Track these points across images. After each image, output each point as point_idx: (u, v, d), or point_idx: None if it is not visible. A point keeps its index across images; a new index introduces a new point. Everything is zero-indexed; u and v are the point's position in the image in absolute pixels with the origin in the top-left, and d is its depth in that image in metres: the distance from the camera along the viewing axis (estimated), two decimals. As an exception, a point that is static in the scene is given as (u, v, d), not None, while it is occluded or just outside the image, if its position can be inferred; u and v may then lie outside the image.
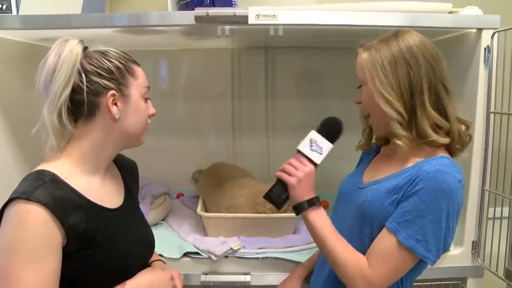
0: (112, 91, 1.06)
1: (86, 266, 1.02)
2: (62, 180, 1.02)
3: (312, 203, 1.18)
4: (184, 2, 1.55)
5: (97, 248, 1.03)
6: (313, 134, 1.23)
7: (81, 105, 1.05)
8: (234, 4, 1.60)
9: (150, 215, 1.80)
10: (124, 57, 1.12)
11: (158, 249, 1.50)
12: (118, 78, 1.08)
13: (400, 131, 1.11)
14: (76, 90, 1.04)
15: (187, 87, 2.29)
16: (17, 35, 1.62)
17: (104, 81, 1.06)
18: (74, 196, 1.02)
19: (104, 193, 1.11)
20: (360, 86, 1.20)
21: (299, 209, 1.19)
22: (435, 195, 1.05)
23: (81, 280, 1.02)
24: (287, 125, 2.26)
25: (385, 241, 1.10)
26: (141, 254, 1.18)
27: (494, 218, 1.53)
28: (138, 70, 1.14)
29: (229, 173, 1.98)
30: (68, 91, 1.03)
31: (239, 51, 2.23)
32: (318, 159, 1.21)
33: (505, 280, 1.49)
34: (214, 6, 1.53)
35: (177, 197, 2.20)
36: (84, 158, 1.08)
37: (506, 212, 1.53)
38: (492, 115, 1.49)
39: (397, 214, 1.10)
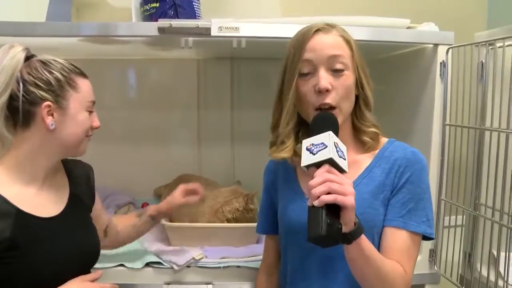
0: (47, 102, 1.07)
1: (9, 271, 1.01)
2: None
3: (362, 225, 0.96)
4: (148, 13, 1.55)
5: (19, 257, 1.02)
6: (334, 137, 0.95)
7: (17, 113, 1.06)
8: (198, 16, 1.61)
9: (113, 225, 1.78)
10: (68, 69, 1.11)
11: (120, 259, 1.51)
12: (56, 90, 1.08)
13: (373, 120, 1.14)
14: (13, 98, 1.05)
15: (153, 97, 2.29)
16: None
17: (41, 92, 1.06)
18: (1, 203, 1.02)
19: (39, 202, 1.10)
20: (340, 71, 1.07)
21: (356, 235, 0.93)
22: (423, 175, 1.11)
23: (8, 284, 1.01)
24: (252, 135, 2.25)
25: (398, 239, 1.08)
26: (79, 262, 1.16)
27: (449, 227, 1.57)
28: (82, 83, 1.13)
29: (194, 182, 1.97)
30: (5, 98, 1.04)
31: (204, 61, 2.25)
32: (346, 166, 0.95)
33: (459, 286, 1.54)
34: (177, 17, 1.54)
35: (142, 206, 2.16)
36: (18, 167, 1.08)
37: (460, 221, 1.57)
38: (447, 127, 1.53)
39: (395, 209, 1.09)
